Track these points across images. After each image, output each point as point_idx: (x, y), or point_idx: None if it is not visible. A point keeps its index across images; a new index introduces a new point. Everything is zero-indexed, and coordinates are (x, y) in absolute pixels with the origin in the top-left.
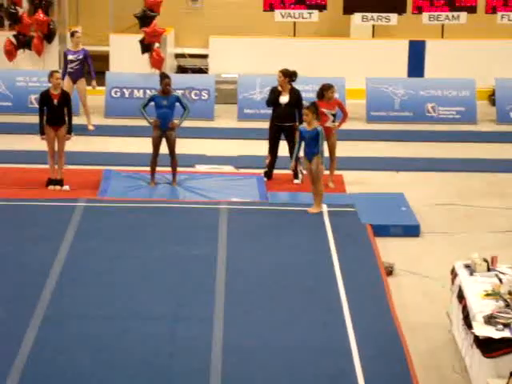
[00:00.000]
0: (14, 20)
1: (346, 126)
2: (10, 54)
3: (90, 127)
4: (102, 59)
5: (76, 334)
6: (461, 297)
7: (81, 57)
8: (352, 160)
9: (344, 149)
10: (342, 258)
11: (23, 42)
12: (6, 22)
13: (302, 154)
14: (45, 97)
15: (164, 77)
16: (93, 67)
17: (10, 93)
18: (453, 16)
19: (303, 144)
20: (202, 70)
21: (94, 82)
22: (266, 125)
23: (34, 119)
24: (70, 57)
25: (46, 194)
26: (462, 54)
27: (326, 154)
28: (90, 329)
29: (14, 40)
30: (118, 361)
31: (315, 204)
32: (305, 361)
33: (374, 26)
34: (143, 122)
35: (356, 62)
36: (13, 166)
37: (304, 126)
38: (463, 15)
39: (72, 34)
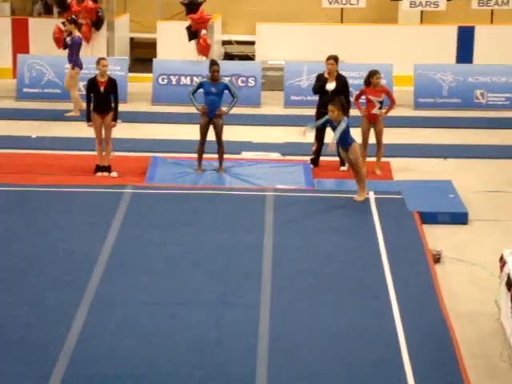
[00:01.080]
0: (63, 7)
1: (393, 113)
2: (59, 42)
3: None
4: (150, 46)
5: (124, 320)
6: (509, 285)
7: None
8: (399, 147)
9: (391, 136)
10: (389, 246)
11: None
12: (55, 10)
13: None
14: (92, 84)
15: (213, 63)
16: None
17: (58, 80)
18: (502, 1)
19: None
20: (249, 57)
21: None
22: (312, 111)
23: (83, 106)
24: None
25: (94, 180)
26: (511, 40)
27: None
28: (138, 315)
29: (62, 27)
30: (165, 347)
31: (360, 191)
32: (351, 348)
33: (422, 12)
34: (190, 109)
35: (404, 48)
36: (61, 153)
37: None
38: None
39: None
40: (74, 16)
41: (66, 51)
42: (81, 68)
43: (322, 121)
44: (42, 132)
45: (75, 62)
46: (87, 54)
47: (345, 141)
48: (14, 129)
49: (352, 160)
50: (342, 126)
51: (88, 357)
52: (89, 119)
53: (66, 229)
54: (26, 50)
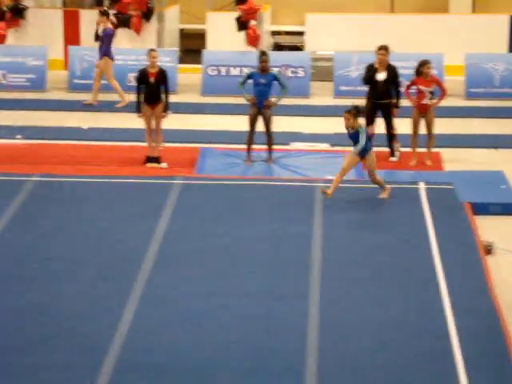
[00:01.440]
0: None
1: (444, 103)
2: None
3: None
4: (199, 37)
5: (174, 311)
6: None
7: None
8: (450, 137)
9: (442, 126)
10: (440, 237)
11: (122, 20)
12: (106, 1)
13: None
14: (142, 75)
15: (262, 54)
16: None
17: None
18: None
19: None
20: (298, 48)
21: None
22: (362, 102)
23: (133, 97)
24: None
25: (144, 171)
26: None
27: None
28: (187, 306)
29: (113, 19)
30: (215, 338)
31: (384, 190)
32: (402, 339)
33: (473, 1)
34: (239, 100)
35: (455, 37)
36: (111, 144)
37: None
38: None
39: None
40: (105, 8)
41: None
42: (112, 60)
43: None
44: (93, 123)
45: (108, 53)
46: (138, 45)
47: (364, 147)
48: (65, 120)
49: (368, 166)
50: (363, 137)
51: (139, 347)
52: (139, 110)
53: (116, 220)
54: (77, 42)
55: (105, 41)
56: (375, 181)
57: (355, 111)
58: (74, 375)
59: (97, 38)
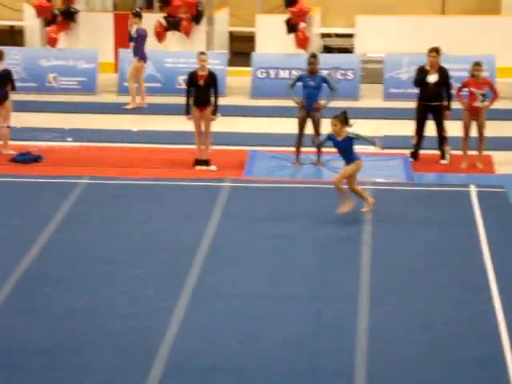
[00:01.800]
0: (164, 2)
1: (495, 105)
2: (160, 36)
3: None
4: (248, 40)
5: (223, 313)
6: None
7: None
8: (501, 140)
9: (493, 128)
10: (491, 240)
11: (172, 23)
12: (156, 4)
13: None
14: (192, 77)
15: (311, 56)
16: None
17: (159, 74)
18: None
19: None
20: (347, 50)
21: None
22: (412, 104)
23: (183, 100)
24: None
25: (193, 174)
26: None
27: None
28: (236, 307)
29: (163, 22)
30: (264, 340)
31: (365, 202)
32: (452, 343)
33: None
34: (289, 103)
35: (507, 39)
36: (160, 147)
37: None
38: None
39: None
40: (138, 9)
41: (162, 45)
42: (145, 61)
43: (324, 137)
44: (142, 125)
45: (141, 55)
46: (187, 48)
47: (350, 155)
48: (115, 123)
49: (343, 172)
50: (362, 136)
51: (188, 348)
52: (188, 112)
53: (166, 221)
54: (127, 45)
55: (138, 42)
56: (354, 190)
57: (343, 117)
58: (124, 377)
59: (130, 39)
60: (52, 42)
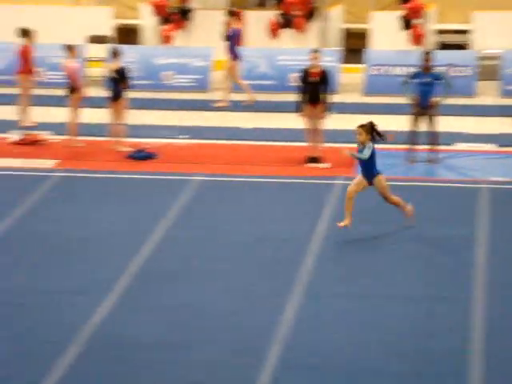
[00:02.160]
0: (278, 0)
1: None
2: (274, 33)
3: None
4: (362, 37)
5: (332, 311)
6: None
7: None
8: None
9: None
10: None
11: (286, 20)
12: (270, 2)
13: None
14: (304, 74)
15: (426, 53)
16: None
17: (271, 71)
18: None
19: (359, 167)
20: (462, 46)
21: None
22: None
23: (295, 97)
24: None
25: (305, 171)
26: None
27: None
28: (349, 306)
29: (277, 19)
30: (375, 340)
31: (404, 210)
32: None
33: None
34: (402, 100)
35: None
36: (272, 144)
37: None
38: None
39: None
40: (233, 8)
41: (275, 43)
42: (241, 60)
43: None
44: (254, 123)
45: (235, 54)
46: (301, 45)
47: (370, 171)
48: (227, 120)
49: (379, 191)
50: (368, 151)
51: (300, 346)
52: (300, 109)
53: (276, 219)
54: (240, 43)
55: (232, 41)
56: (393, 203)
57: (369, 126)
58: (236, 373)
59: (226, 38)
60: (167, 40)
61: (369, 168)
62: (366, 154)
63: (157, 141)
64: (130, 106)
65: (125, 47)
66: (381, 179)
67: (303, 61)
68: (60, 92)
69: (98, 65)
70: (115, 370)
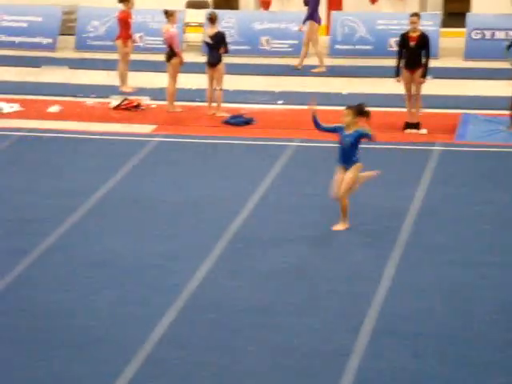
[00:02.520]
0: None
1: None
2: None
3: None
4: (463, 0)
5: (429, 278)
6: None
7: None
8: None
9: None
10: None
11: None
12: None
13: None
14: (403, 39)
15: None
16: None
17: (370, 36)
18: None
19: (339, 151)
20: None
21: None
22: None
23: (393, 62)
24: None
25: (403, 137)
26: None
27: None
28: (445, 273)
29: None
30: (476, 307)
31: (340, 220)
32: None
33: None
34: (505, 65)
35: None
36: (371, 110)
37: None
38: None
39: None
40: None
41: (374, 7)
42: (319, 23)
43: (330, 126)
44: (352, 88)
45: (314, 17)
46: (400, 9)
47: (349, 156)
48: (326, 85)
49: (345, 183)
50: (366, 132)
51: (396, 313)
52: (398, 74)
53: (374, 185)
54: (339, 7)
55: (310, 4)
56: (341, 204)
57: (358, 109)
58: (330, 338)
59: (305, 3)
60: (265, 4)
61: (351, 155)
62: (365, 131)
63: (254, 106)
64: (228, 72)
65: (223, 12)
66: (358, 167)
67: (402, 25)
68: (159, 57)
69: (196, 30)
70: (211, 334)
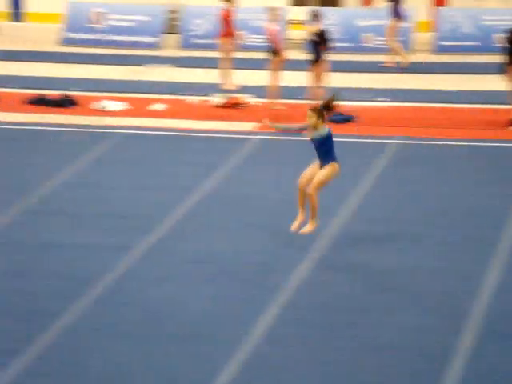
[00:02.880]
0: None
1: None
2: None
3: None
4: None
5: None
6: None
7: None
8: None
9: None
10: None
11: None
12: None
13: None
14: (510, 35)
15: None
16: None
17: (476, 32)
18: None
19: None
20: None
21: None
22: None
23: (499, 58)
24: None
25: (505, 135)
26: None
27: None
28: None
29: None
30: None
31: (309, 221)
32: None
33: None
34: None
35: None
36: (472, 107)
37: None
38: None
39: None
40: None
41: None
42: (402, 20)
43: (295, 126)
44: (457, 85)
45: (396, 14)
46: (507, 5)
47: (327, 155)
48: (429, 83)
49: (318, 178)
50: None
51: (502, 313)
52: (504, 71)
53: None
54: (444, 3)
55: (396, 1)
56: (311, 201)
57: (320, 109)
58: (433, 337)
59: None
60: (367, 1)
61: (323, 152)
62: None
63: (355, 103)
64: (331, 69)
65: (326, 9)
66: (335, 169)
67: (509, 21)
68: (261, 55)
69: (299, 27)
70: (313, 332)
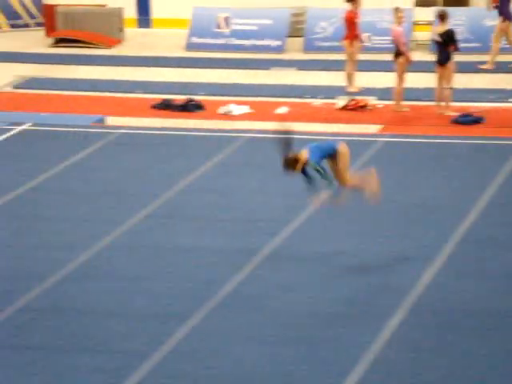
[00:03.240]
0: None
1: None
2: None
3: None
4: None
5: None
6: None
7: None
8: None
9: None
10: None
11: None
12: None
13: None
14: None
15: None
16: None
17: None
18: None
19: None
20: None
21: None
22: None
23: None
24: None
25: None
26: None
27: None
28: None
29: None
30: None
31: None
32: None
33: None
34: None
35: None
36: None
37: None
38: None
39: None
40: None
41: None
42: (510, 20)
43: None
44: None
45: (506, 14)
46: None
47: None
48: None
49: (339, 171)
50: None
51: None
52: None
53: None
54: None
55: (502, 1)
56: (353, 187)
57: (290, 163)
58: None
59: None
60: (495, 1)
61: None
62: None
63: (484, 105)
64: (457, 70)
65: (452, 10)
66: (341, 153)
67: None
68: (386, 57)
69: (424, 28)
70: (441, 336)
